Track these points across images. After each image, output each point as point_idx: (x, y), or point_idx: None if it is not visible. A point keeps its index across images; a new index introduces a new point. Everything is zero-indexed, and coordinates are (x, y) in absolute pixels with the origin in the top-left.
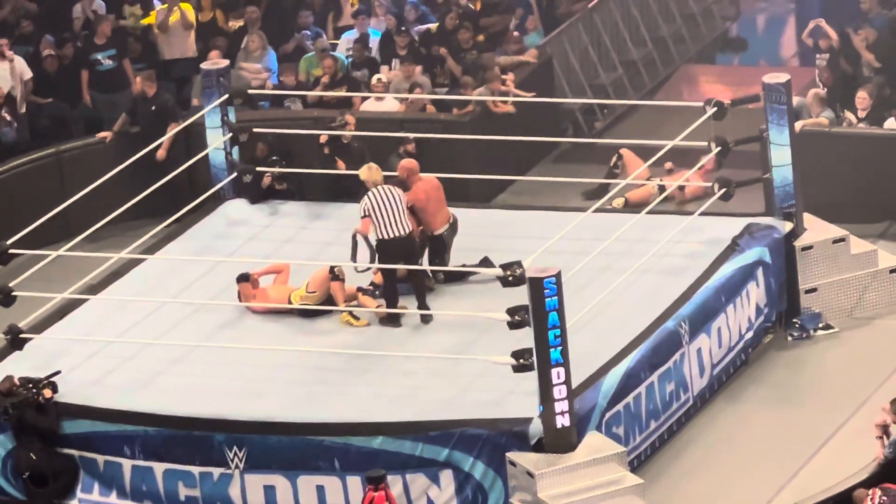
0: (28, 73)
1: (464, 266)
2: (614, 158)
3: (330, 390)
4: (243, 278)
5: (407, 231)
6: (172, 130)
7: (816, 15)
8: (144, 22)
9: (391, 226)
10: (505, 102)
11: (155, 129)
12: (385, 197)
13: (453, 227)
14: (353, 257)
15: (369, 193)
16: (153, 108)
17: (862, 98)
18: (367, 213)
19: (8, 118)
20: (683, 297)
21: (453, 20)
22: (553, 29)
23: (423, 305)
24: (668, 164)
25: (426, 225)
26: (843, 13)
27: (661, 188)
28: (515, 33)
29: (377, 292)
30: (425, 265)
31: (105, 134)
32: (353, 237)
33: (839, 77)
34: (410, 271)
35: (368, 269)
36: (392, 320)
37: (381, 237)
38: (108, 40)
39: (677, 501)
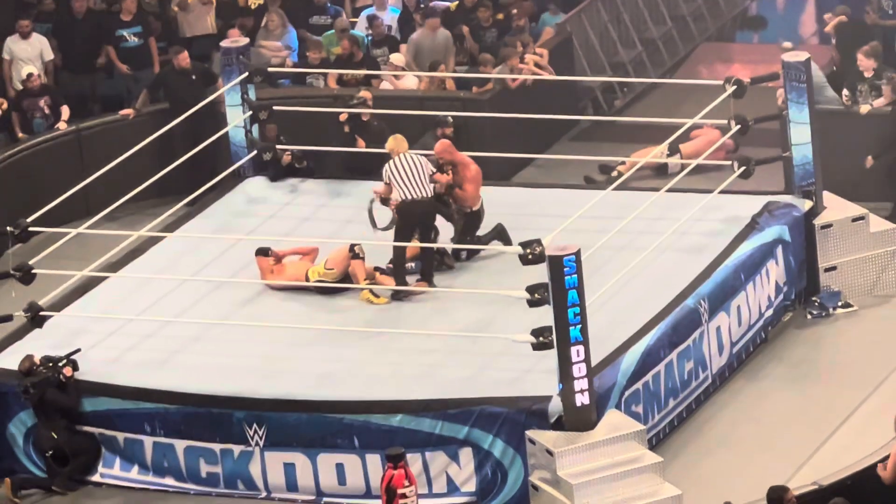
0: (50, 55)
1: (478, 238)
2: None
3: (349, 368)
4: (262, 252)
5: (429, 194)
6: (220, 88)
7: None
8: None
9: (413, 189)
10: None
11: (198, 94)
12: (408, 163)
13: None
14: (373, 222)
15: (392, 160)
16: (193, 76)
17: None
18: (387, 180)
19: (47, 111)
20: (703, 275)
21: None
22: (572, 7)
23: (429, 281)
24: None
25: (471, 200)
26: None
27: (671, 152)
28: (515, 10)
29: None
30: (446, 244)
31: (128, 111)
32: (370, 206)
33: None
34: (423, 245)
35: (389, 228)
36: (396, 294)
37: (403, 198)
38: (133, 17)
39: (696, 479)
